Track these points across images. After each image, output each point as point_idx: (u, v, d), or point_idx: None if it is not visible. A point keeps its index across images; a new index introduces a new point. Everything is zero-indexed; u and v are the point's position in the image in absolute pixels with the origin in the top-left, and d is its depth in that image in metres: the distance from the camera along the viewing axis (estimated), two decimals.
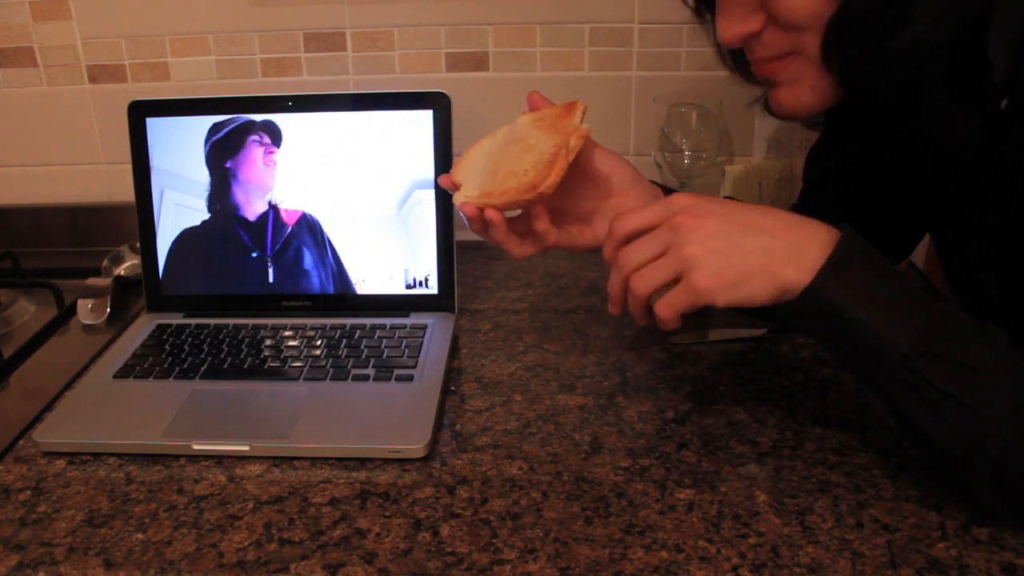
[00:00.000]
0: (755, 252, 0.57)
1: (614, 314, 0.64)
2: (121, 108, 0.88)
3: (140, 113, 0.87)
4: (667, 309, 0.59)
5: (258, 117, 0.86)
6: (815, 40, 0.58)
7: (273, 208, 0.87)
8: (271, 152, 0.86)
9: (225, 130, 0.86)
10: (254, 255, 0.87)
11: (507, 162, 0.68)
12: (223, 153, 0.87)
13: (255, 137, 0.86)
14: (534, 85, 1.08)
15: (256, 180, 0.87)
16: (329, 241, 0.87)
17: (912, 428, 0.56)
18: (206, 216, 0.88)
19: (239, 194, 0.87)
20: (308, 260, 0.87)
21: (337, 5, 1.05)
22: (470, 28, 1.06)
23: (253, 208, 0.87)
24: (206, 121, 0.87)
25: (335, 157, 0.87)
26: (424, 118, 0.85)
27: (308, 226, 0.87)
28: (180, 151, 0.88)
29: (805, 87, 0.61)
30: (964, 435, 0.54)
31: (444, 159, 0.86)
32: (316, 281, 0.88)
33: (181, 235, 0.88)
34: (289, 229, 0.87)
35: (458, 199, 0.69)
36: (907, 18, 0.54)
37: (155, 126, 0.87)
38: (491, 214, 0.67)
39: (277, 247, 0.87)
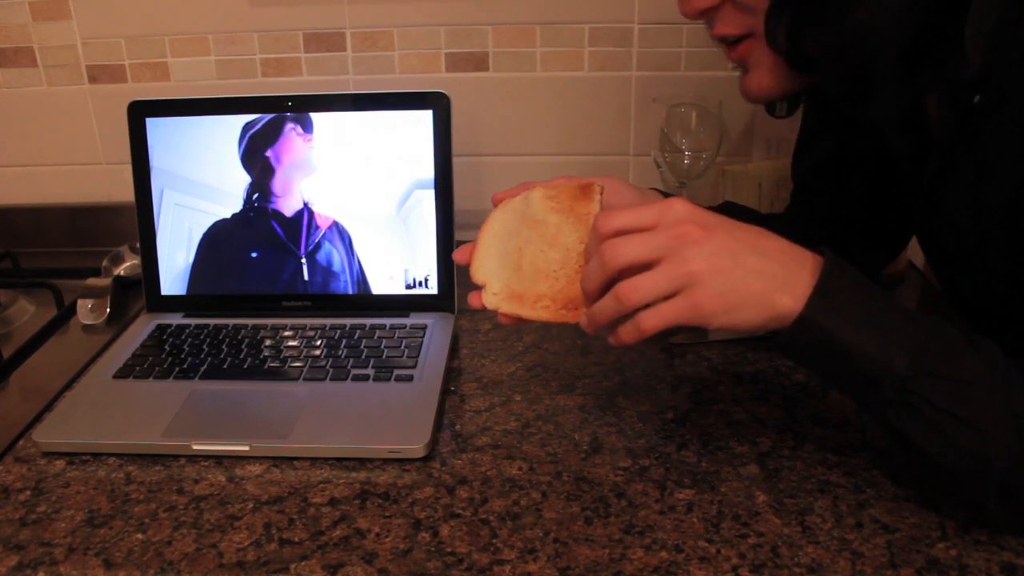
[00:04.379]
0: (757, 275, 0.54)
1: (582, 322, 0.59)
2: (121, 108, 0.88)
3: (140, 113, 0.87)
4: (655, 321, 0.55)
5: (268, 115, 0.87)
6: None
7: (308, 208, 0.87)
8: (308, 139, 0.87)
9: (261, 123, 0.87)
10: (288, 252, 0.88)
11: (530, 253, 0.62)
12: (263, 142, 0.87)
13: (291, 126, 0.87)
14: (534, 85, 1.09)
15: (298, 163, 0.87)
16: (351, 241, 0.87)
17: (914, 449, 0.55)
18: (236, 211, 0.88)
19: (278, 184, 0.87)
20: (337, 261, 0.88)
21: (337, 5, 1.05)
22: (470, 28, 1.06)
23: (291, 203, 0.87)
24: (209, 121, 0.87)
25: (334, 157, 0.87)
26: (424, 118, 0.85)
27: (338, 229, 0.88)
28: (180, 151, 0.88)
29: (765, 71, 0.64)
30: (968, 452, 0.53)
31: (444, 159, 0.86)
32: (342, 282, 0.88)
33: (209, 231, 0.88)
34: (323, 231, 0.87)
35: (487, 300, 0.63)
36: (848, 3, 0.56)
37: (155, 126, 0.88)
38: (521, 324, 0.63)
39: (310, 247, 0.87)
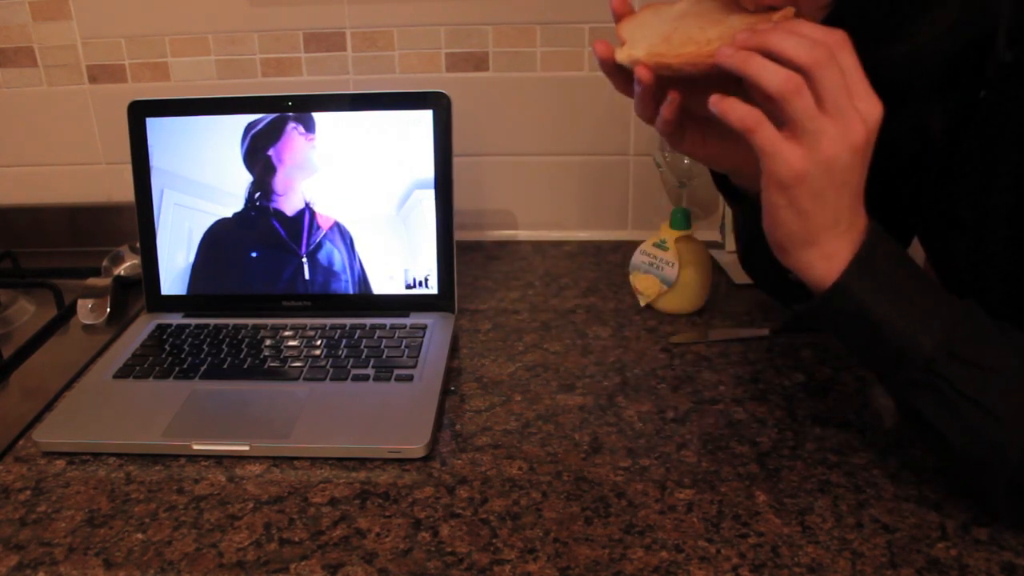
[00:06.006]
0: (838, 213, 0.52)
1: (722, 50, 0.52)
2: (121, 108, 0.88)
3: (140, 113, 0.87)
4: (764, 135, 0.51)
5: (270, 115, 0.87)
6: (814, 6, 0.56)
7: (309, 208, 0.87)
8: (310, 139, 0.87)
9: (264, 122, 0.87)
10: (290, 252, 0.88)
11: (686, 30, 0.59)
12: (265, 142, 0.87)
13: (293, 125, 0.86)
14: (534, 85, 1.09)
15: (300, 162, 0.87)
16: (352, 241, 0.87)
17: (929, 430, 0.55)
18: (237, 210, 0.88)
19: (280, 183, 0.87)
20: (338, 261, 0.88)
21: (337, 5, 1.05)
22: (470, 28, 1.06)
23: (292, 203, 0.87)
24: (209, 121, 0.87)
25: (334, 157, 0.87)
26: (424, 118, 0.85)
27: (339, 229, 0.88)
28: (180, 151, 0.88)
29: None
30: (983, 439, 0.53)
31: (444, 159, 0.86)
32: (343, 282, 0.88)
33: (210, 231, 0.88)
34: (324, 231, 0.87)
35: (621, 55, 0.60)
36: (906, 33, 0.54)
37: (155, 126, 0.88)
38: (642, 72, 0.57)
39: (311, 247, 0.87)
